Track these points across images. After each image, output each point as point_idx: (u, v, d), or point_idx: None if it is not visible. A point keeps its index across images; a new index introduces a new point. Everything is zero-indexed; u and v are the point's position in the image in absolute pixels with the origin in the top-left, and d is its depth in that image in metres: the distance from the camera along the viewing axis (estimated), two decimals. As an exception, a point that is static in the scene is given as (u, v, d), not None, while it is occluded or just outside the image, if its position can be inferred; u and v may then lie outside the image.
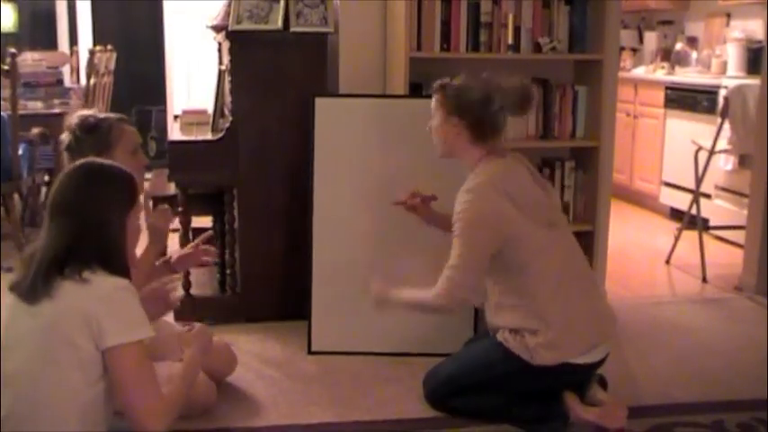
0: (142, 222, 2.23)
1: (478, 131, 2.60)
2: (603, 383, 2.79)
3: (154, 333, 1.99)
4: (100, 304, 1.88)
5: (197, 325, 2.44)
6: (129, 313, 1.93)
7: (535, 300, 2.59)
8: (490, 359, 2.68)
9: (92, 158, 2.12)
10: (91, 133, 2.62)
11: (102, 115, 2.71)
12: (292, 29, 3.48)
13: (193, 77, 7.15)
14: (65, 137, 2.63)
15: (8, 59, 4.52)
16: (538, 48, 3.62)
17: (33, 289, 1.90)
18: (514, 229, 2.55)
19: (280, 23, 3.47)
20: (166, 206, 2.93)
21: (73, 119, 2.67)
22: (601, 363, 2.69)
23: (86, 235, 1.93)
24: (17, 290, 1.95)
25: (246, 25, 3.46)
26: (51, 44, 7.56)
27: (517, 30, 3.58)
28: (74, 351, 1.88)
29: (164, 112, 7.59)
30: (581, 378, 2.69)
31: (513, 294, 2.64)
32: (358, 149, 3.16)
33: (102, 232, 1.96)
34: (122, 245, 2.01)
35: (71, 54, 6.97)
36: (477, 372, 2.70)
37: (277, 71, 3.49)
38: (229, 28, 3.46)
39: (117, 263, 1.96)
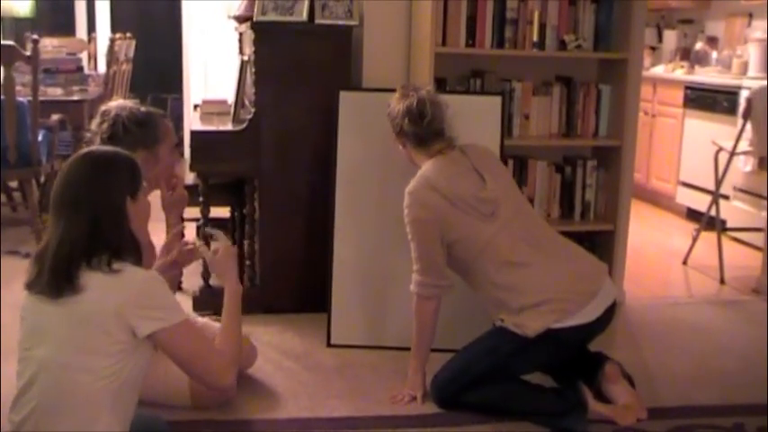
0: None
1: (415, 142, 2.85)
2: (631, 382, 2.80)
3: (187, 316, 2.05)
4: (135, 294, 1.91)
5: (219, 236, 2.44)
6: (165, 300, 1.99)
7: (500, 285, 2.69)
8: (493, 344, 2.72)
9: (92, 147, 2.12)
10: (141, 126, 2.63)
11: (148, 109, 2.72)
12: (317, 21, 3.48)
13: (210, 66, 7.13)
14: (105, 127, 2.61)
15: (30, 45, 4.52)
16: (563, 45, 3.61)
17: (54, 284, 1.89)
18: (451, 222, 2.72)
19: (305, 15, 3.46)
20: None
21: (115, 109, 2.64)
22: (599, 323, 2.69)
23: (99, 225, 1.93)
24: (34, 288, 1.94)
25: (272, 17, 3.46)
26: (69, 30, 7.56)
27: (543, 27, 3.58)
28: (107, 340, 1.89)
29: (179, 100, 7.60)
30: (584, 339, 2.74)
31: (480, 288, 2.79)
32: (381, 143, 3.15)
33: (114, 220, 1.96)
34: (135, 229, 2.02)
35: (89, 41, 6.97)
36: (483, 360, 2.71)
37: (301, 63, 3.49)
38: (254, 19, 3.46)
39: (130, 248, 1.97)
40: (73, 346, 1.90)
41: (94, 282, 1.89)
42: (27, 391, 1.93)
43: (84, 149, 2.08)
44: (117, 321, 1.89)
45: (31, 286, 1.95)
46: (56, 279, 1.89)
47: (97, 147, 2.13)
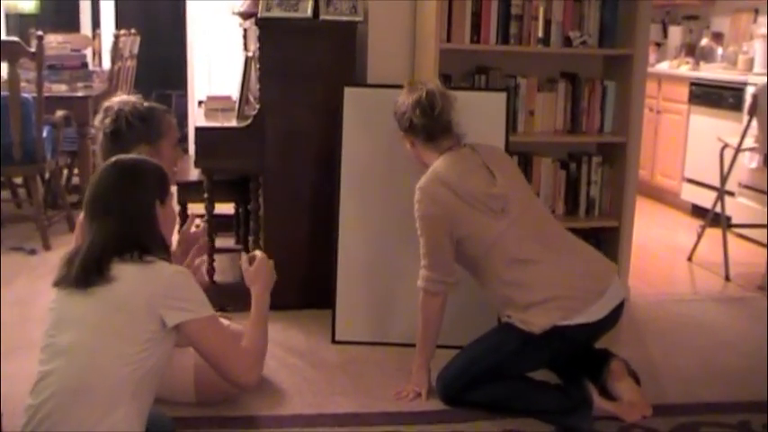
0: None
1: (425, 137, 2.83)
2: (636, 380, 2.79)
3: (215, 313, 2.11)
4: (165, 285, 1.98)
5: (257, 254, 2.46)
6: (194, 294, 2.05)
7: (508, 282, 2.69)
8: (498, 340, 2.72)
9: (122, 156, 2.19)
10: (144, 121, 2.63)
11: (151, 104, 2.72)
12: (322, 17, 3.47)
13: (214, 62, 7.13)
14: (108, 122, 2.62)
15: (34, 41, 4.52)
16: (568, 42, 3.60)
17: (84, 275, 1.96)
18: (460, 218, 2.72)
19: (309, 11, 3.46)
20: (201, 223, 2.92)
21: (118, 105, 2.65)
22: (605, 323, 2.69)
23: (130, 227, 2.02)
24: (63, 283, 2.00)
25: (276, 13, 3.45)
26: (73, 27, 7.55)
27: (548, 23, 3.57)
28: (137, 327, 1.94)
29: (184, 97, 7.60)
30: (589, 337, 2.75)
31: (488, 285, 2.79)
32: (386, 139, 3.15)
33: (144, 225, 2.05)
34: (163, 233, 2.10)
35: (93, 37, 6.97)
36: (488, 356, 2.71)
37: (306, 59, 3.49)
38: (259, 15, 3.46)
39: (160, 247, 2.05)
40: (102, 331, 1.94)
41: (126, 273, 1.95)
42: (48, 376, 1.95)
43: (113, 158, 2.14)
44: (147, 311, 1.94)
45: (59, 283, 2.02)
46: (85, 271, 1.96)
47: (125, 155, 2.20)
